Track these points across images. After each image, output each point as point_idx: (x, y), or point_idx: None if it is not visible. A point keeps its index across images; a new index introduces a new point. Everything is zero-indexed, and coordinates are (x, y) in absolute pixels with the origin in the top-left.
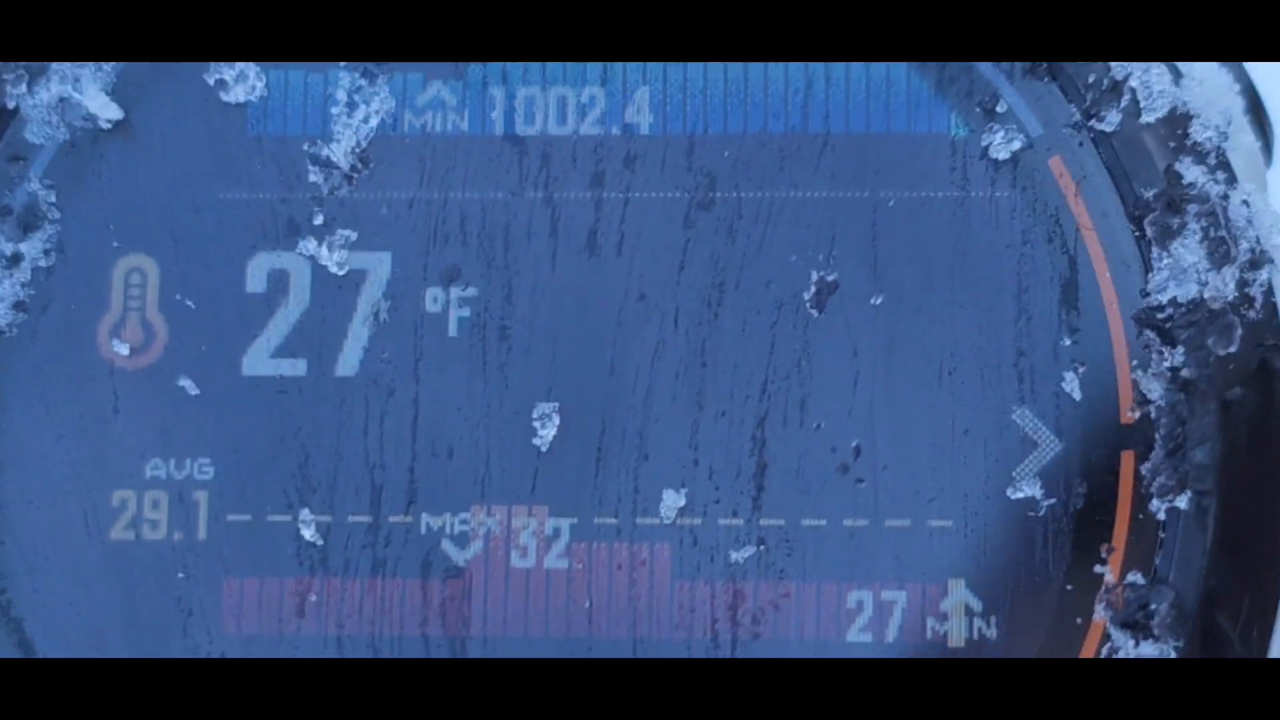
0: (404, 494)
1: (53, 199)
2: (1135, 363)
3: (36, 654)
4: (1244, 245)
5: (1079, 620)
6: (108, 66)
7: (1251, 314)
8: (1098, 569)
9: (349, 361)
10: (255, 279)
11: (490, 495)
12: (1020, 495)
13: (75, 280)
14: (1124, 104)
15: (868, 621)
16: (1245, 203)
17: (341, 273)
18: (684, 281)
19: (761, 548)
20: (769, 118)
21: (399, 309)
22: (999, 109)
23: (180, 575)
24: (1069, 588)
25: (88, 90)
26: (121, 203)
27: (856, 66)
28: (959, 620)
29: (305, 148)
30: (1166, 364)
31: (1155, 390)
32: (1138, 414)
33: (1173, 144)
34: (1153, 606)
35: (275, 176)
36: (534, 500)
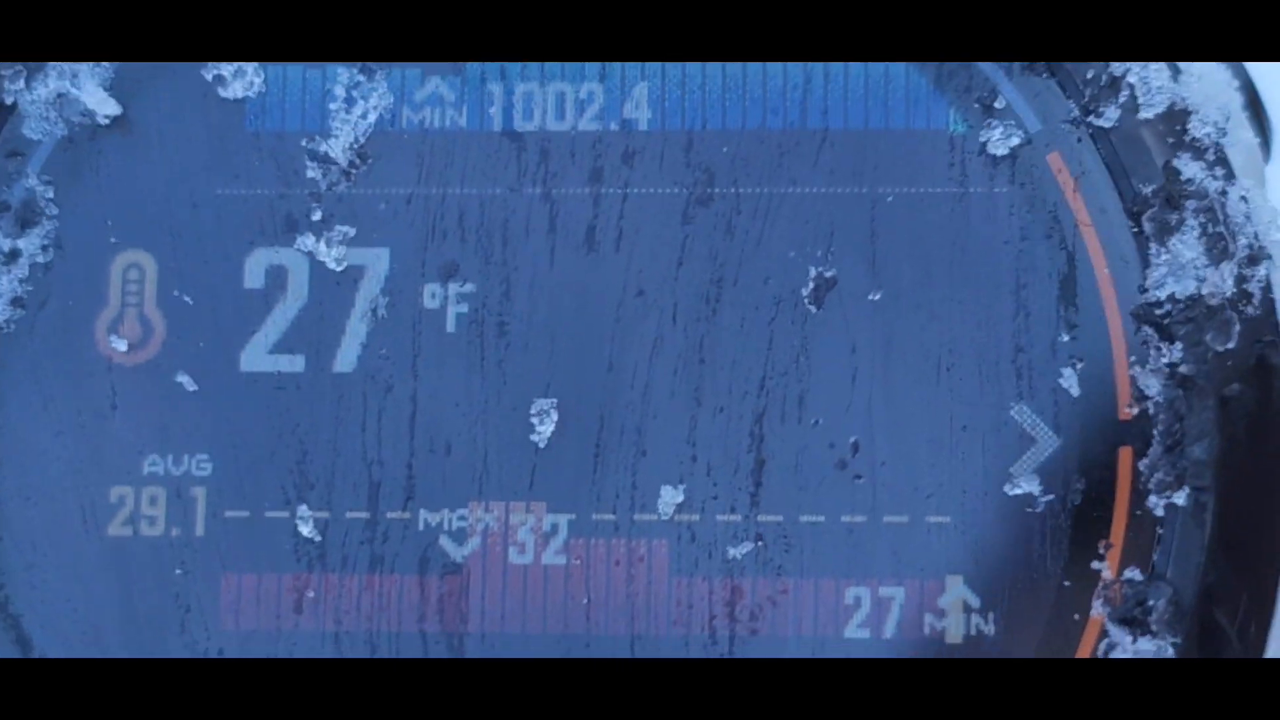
0: (402, 490)
1: (51, 195)
2: (1133, 359)
3: (34, 650)
4: (1242, 241)
5: (1077, 616)
6: (106, 63)
7: (1249, 310)
8: (1095, 565)
9: (347, 357)
10: (253, 275)
11: (488, 491)
12: (1018, 491)
13: (73, 276)
14: (1122, 100)
15: (865, 618)
16: (1243, 199)
17: (339, 269)
18: (682, 277)
19: (759, 544)
20: (767, 113)
21: (397, 305)
22: (997, 105)
23: (178, 571)
24: (1067, 584)
25: (86, 86)
26: (119, 198)
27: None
28: (957, 616)
29: (303, 143)
30: (1165, 360)
31: (1153, 386)
32: (1136, 410)
33: (1171, 140)
34: (1151, 603)
35: (273, 172)
36: (532, 496)
